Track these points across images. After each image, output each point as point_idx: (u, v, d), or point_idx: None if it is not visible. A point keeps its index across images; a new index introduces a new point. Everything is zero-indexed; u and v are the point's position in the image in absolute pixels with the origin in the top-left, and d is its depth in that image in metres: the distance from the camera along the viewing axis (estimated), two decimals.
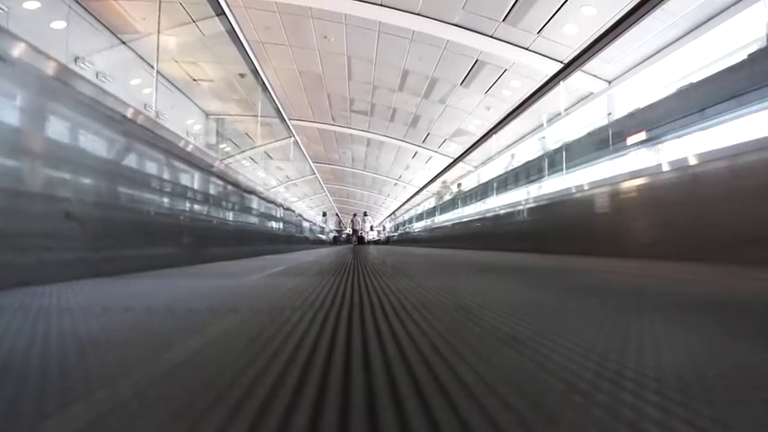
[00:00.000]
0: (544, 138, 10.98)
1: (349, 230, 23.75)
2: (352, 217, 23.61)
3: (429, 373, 0.61)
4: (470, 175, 15.15)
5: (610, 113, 7.94)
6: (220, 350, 0.77)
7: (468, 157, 13.11)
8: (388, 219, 28.02)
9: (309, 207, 24.35)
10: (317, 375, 0.60)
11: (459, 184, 14.10)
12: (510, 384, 0.56)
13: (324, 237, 18.53)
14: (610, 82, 7.85)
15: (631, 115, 6.80)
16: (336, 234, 23.56)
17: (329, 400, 0.51)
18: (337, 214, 28.52)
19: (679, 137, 4.78)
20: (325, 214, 25.01)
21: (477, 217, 8.90)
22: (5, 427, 0.44)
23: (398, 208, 23.80)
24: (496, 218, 7.77)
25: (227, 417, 0.46)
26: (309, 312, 1.10)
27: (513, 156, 12.54)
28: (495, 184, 9.06)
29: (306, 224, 13.44)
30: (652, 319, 1.02)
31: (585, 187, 4.96)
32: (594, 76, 7.78)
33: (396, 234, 22.42)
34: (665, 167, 3.75)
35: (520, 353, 0.72)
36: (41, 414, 0.47)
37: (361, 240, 21.93)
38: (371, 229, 26.88)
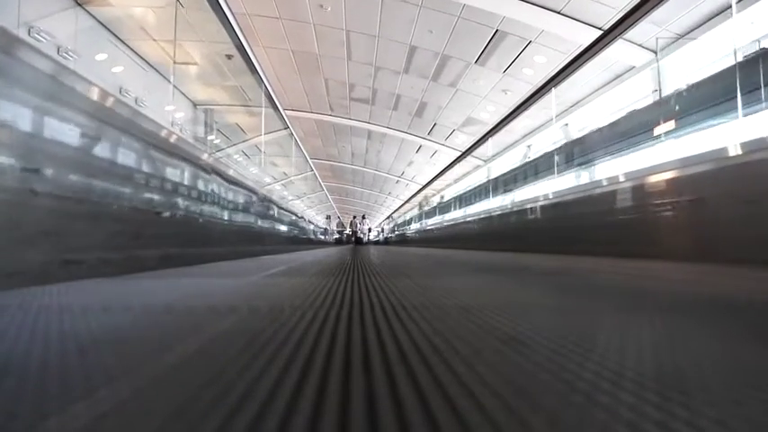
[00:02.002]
0: (567, 125, 9.65)
1: (349, 231, 25.14)
2: (351, 219, 25.26)
3: (428, 372, 0.60)
4: (478, 171, 13.91)
5: (656, 90, 6.60)
6: (220, 350, 0.75)
7: (476, 151, 11.77)
8: (386, 221, 28.27)
9: (308, 206, 23.11)
10: (317, 375, 0.59)
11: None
12: (510, 384, 0.55)
13: (324, 237, 18.96)
14: (656, 53, 6.49)
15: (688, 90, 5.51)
16: (339, 236, 24.94)
17: (329, 401, 0.49)
18: (339, 216, 28.86)
19: None
20: (329, 217, 26.55)
21: (473, 219, 8.61)
22: (5, 427, 0.43)
23: (397, 210, 23.92)
24: (492, 219, 7.25)
25: (227, 416, 0.45)
26: (309, 312, 1.08)
27: (529, 147, 11.23)
28: (494, 184, 8.75)
29: (309, 226, 13.34)
30: (652, 319, 1.00)
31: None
32: (639, 45, 6.42)
33: (393, 235, 22.90)
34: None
35: (520, 353, 0.70)
36: (41, 414, 0.46)
37: (359, 241, 22.88)
38: (369, 230, 27.55)
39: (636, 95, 7.26)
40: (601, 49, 5.83)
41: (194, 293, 1.53)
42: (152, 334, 0.88)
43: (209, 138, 11.53)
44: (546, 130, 10.11)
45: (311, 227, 15.14)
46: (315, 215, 24.42)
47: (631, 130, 5.97)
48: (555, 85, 7.03)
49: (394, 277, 2.14)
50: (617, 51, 6.41)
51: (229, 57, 9.37)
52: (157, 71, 9.70)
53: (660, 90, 6.62)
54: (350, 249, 9.80)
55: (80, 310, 1.08)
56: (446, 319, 0.99)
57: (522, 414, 0.45)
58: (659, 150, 5.33)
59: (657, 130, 5.67)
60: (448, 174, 14.66)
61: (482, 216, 8.25)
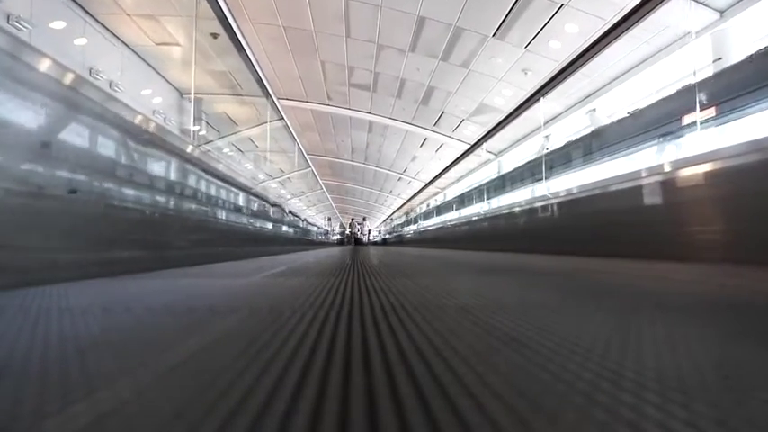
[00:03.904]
0: (594, 110, 8.42)
1: (349, 232, 26.46)
2: (350, 221, 26.95)
3: (429, 372, 0.58)
4: (482, 168, 12.75)
5: (720, 58, 5.36)
6: (220, 350, 0.73)
7: (486, 144, 10.55)
8: (383, 224, 29.41)
9: (306, 206, 21.90)
10: (317, 376, 0.58)
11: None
12: (510, 385, 0.53)
13: (325, 238, 19.27)
14: (722, 12, 5.25)
15: None
16: (340, 237, 25.87)
17: (329, 401, 0.48)
18: (340, 218, 30.60)
19: None
20: (330, 219, 27.48)
21: (476, 218, 8.37)
22: (5, 427, 0.43)
23: (396, 211, 24.17)
24: (499, 218, 6.99)
25: (227, 417, 0.44)
26: (310, 312, 1.06)
27: (547, 138, 10.00)
28: (502, 181, 8.45)
29: (311, 228, 13.30)
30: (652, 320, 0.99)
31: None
32: (701, 2, 5.18)
33: (391, 236, 23.83)
34: None
35: (520, 353, 0.68)
36: (41, 414, 0.45)
37: (358, 242, 23.78)
38: (369, 232, 29.41)
39: (687, 70, 6.02)
40: (654, 6, 4.59)
41: (195, 294, 1.50)
42: (153, 334, 0.86)
43: (194, 129, 10.29)
44: (568, 117, 8.88)
45: (313, 228, 15.33)
46: (314, 215, 23.31)
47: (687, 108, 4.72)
48: (592, 57, 5.80)
49: (394, 277, 2.10)
50: (671, 11, 5.18)
51: (215, 36, 8.14)
52: (137, 54, 8.45)
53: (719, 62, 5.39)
54: (350, 250, 9.67)
55: (80, 310, 1.05)
56: (446, 320, 0.97)
57: (523, 414, 0.44)
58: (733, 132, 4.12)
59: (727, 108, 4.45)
60: (452, 171, 13.53)
61: (486, 216, 7.85)
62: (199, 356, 0.68)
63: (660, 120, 5.01)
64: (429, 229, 13.48)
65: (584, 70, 6.41)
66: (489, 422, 0.42)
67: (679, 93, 4.97)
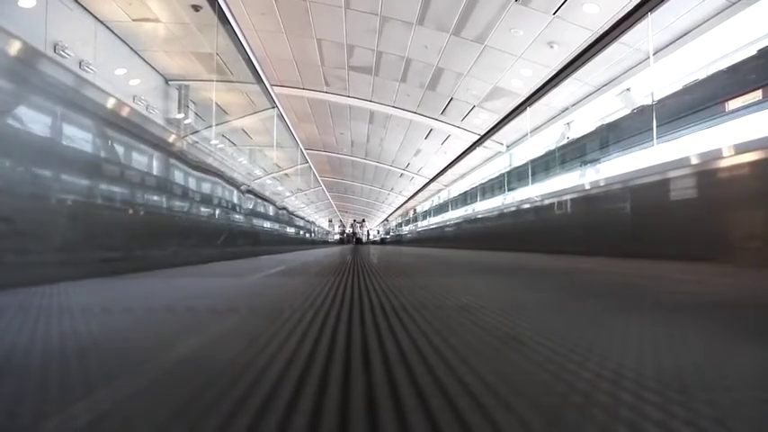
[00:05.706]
0: (628, 90, 7.30)
1: (350, 231, 28.19)
2: (351, 222, 29.07)
3: (428, 372, 0.57)
4: (486, 164, 11.67)
5: None
6: (221, 350, 0.72)
7: (495, 135, 9.46)
8: (382, 224, 30.61)
9: (305, 204, 20.79)
10: (318, 375, 0.56)
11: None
12: (510, 385, 0.52)
13: (326, 238, 19.63)
14: None
15: None
16: (340, 236, 26.59)
17: (329, 401, 0.47)
18: (341, 219, 31.79)
19: None
20: (331, 220, 28.59)
21: (466, 219, 8.26)
22: (5, 427, 0.41)
23: (394, 212, 24.11)
24: (504, 216, 6.81)
25: (227, 417, 0.43)
26: (310, 312, 1.05)
27: (568, 125, 8.89)
28: (508, 178, 7.88)
29: (313, 228, 13.58)
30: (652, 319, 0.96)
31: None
32: None
33: (389, 236, 24.50)
34: None
35: (521, 353, 0.67)
36: (41, 414, 0.44)
37: (358, 241, 25.45)
38: (368, 232, 31.10)
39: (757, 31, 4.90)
40: None
41: (196, 294, 1.48)
42: (152, 334, 0.84)
43: (178, 116, 9.15)
44: (594, 100, 7.77)
45: (315, 228, 15.33)
46: (312, 213, 22.22)
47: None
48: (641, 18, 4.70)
49: (393, 277, 2.12)
50: None
51: (196, 8, 7.01)
52: (116, 34, 7.27)
53: None
54: (350, 249, 9.69)
55: (80, 310, 1.05)
56: (445, 319, 0.95)
57: (523, 414, 0.43)
58: None
59: None
60: (456, 167, 12.49)
61: (485, 215, 7.46)
62: (199, 356, 0.66)
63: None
64: (428, 228, 13.41)
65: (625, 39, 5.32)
66: (489, 422, 0.41)
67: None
